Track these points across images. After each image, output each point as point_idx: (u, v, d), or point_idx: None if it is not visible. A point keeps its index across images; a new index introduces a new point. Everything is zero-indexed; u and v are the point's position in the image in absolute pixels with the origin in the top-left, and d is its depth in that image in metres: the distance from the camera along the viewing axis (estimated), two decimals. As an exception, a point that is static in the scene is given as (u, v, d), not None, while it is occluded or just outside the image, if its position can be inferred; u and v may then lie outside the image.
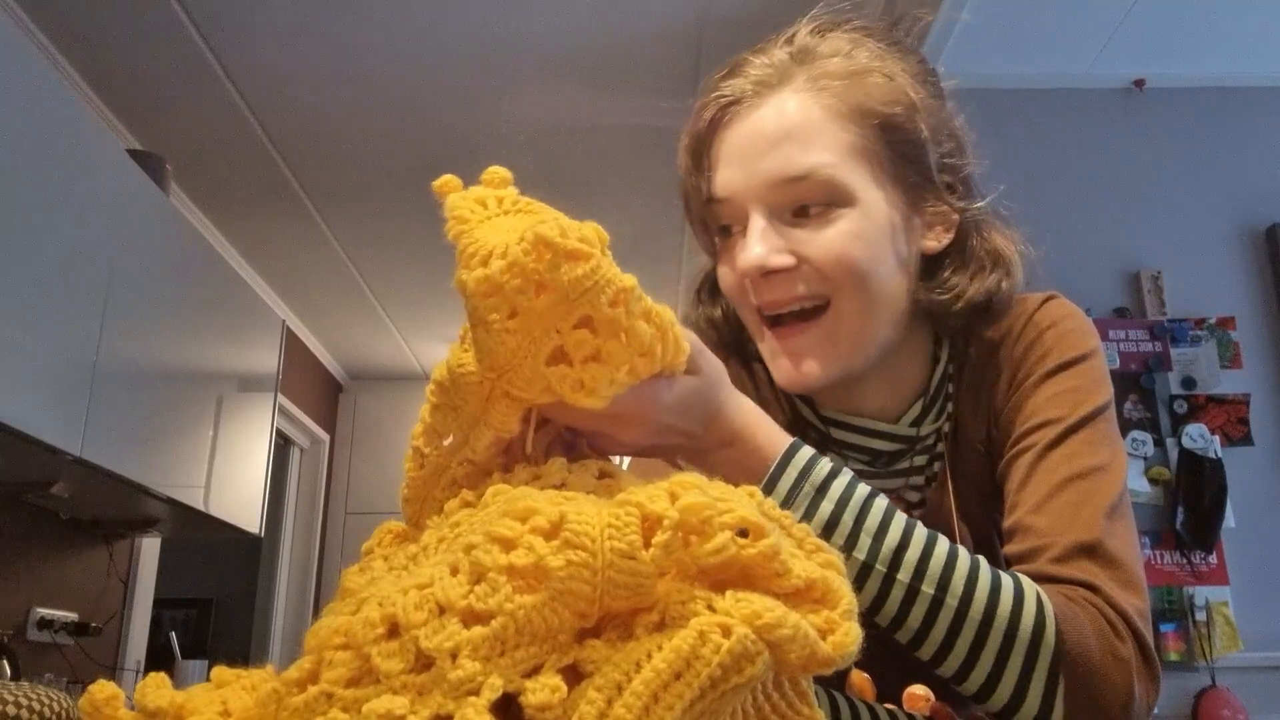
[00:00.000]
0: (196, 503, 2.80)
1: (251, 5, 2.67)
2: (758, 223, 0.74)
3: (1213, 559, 2.52)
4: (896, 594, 0.61)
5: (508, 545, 0.37)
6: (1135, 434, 2.60)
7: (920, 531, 0.63)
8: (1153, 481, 2.56)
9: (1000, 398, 0.79)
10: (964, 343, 0.83)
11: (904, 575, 0.61)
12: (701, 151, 0.80)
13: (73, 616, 2.83)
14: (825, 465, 0.63)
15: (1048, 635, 0.60)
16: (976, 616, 0.60)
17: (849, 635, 0.38)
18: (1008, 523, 0.72)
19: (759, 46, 0.80)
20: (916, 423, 0.83)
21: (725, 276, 0.79)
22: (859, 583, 0.61)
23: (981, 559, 0.63)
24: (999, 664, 0.60)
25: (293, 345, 4.78)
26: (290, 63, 2.92)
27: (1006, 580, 0.62)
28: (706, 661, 0.33)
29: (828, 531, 0.61)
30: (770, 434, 0.64)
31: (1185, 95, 2.91)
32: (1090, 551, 0.65)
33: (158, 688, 0.37)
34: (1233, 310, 2.73)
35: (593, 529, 0.36)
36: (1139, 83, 2.90)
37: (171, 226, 2.76)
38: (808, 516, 0.61)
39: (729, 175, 0.76)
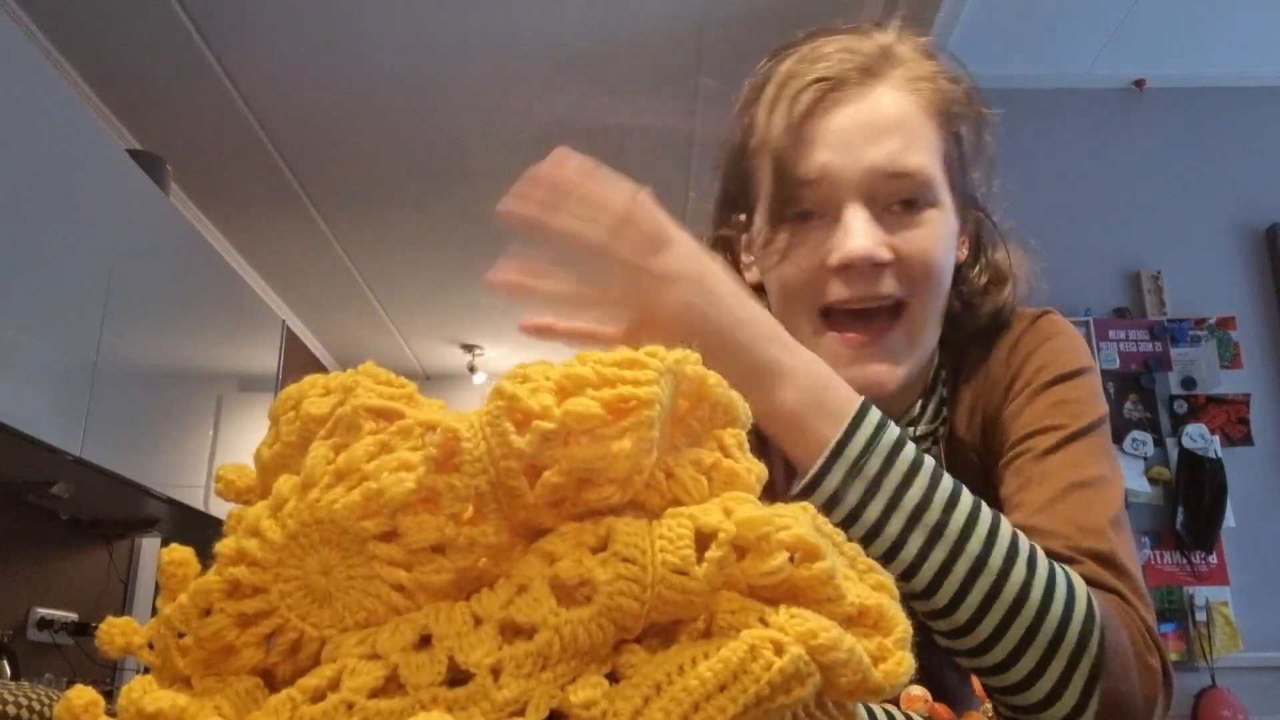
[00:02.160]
0: (196, 503, 2.80)
1: (252, 5, 2.67)
2: (860, 212, 0.72)
3: (1213, 559, 2.52)
4: (960, 570, 0.59)
5: (551, 557, 0.35)
6: (1135, 434, 2.60)
7: (988, 512, 0.62)
8: (1153, 481, 2.56)
9: (996, 404, 0.79)
10: (958, 346, 0.84)
11: (972, 548, 0.59)
12: (794, 130, 0.75)
13: (73, 616, 2.83)
14: (895, 429, 0.63)
15: (1094, 640, 0.59)
16: (1032, 610, 0.59)
17: (901, 664, 0.36)
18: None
19: (832, 33, 0.79)
20: (914, 422, 0.83)
21: (796, 262, 0.75)
22: (925, 551, 0.59)
23: (1040, 550, 0.62)
24: (1043, 661, 0.59)
25: (293, 345, 4.77)
26: (290, 63, 2.92)
27: (1060, 573, 0.61)
28: (755, 678, 0.32)
29: (900, 492, 0.60)
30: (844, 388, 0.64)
31: (1185, 95, 2.91)
32: (1104, 559, 0.65)
33: (153, 689, 0.35)
34: (1233, 310, 2.73)
35: (643, 541, 0.35)
36: (1139, 83, 2.90)
37: (171, 226, 2.77)
38: (881, 475, 0.60)
39: (829, 159, 0.73)
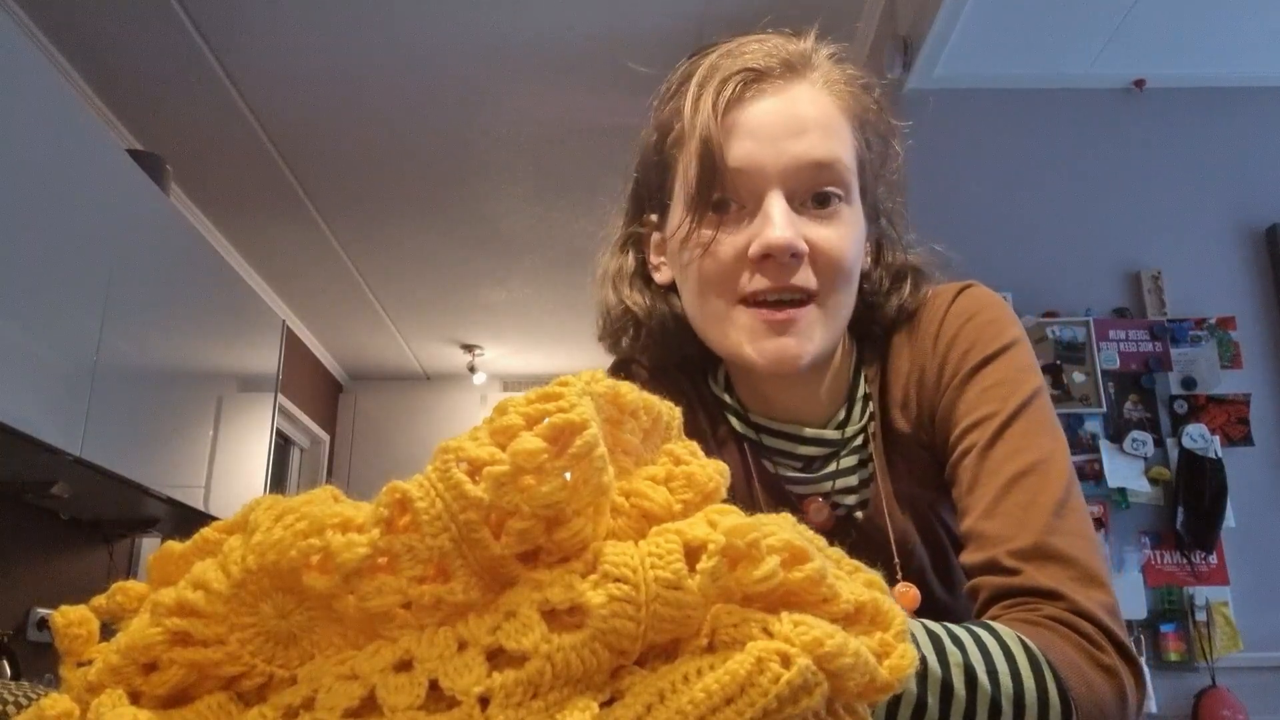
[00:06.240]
0: (196, 503, 2.80)
1: (252, 6, 2.67)
2: (781, 203, 0.73)
3: (1213, 559, 2.52)
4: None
5: (539, 584, 0.34)
6: (1135, 434, 2.59)
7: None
8: (1153, 481, 2.56)
9: (929, 396, 0.79)
10: (879, 341, 0.84)
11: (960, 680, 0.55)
12: (720, 117, 0.76)
13: (73, 616, 2.82)
14: None
15: (1064, 707, 0.57)
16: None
17: (905, 658, 0.35)
18: (961, 527, 0.72)
19: (762, 35, 0.81)
20: (841, 425, 0.84)
21: (716, 254, 0.75)
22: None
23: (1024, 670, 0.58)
24: None
25: (293, 345, 4.77)
26: (290, 63, 2.92)
27: (1029, 683, 0.57)
28: (763, 691, 0.32)
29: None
30: None
31: (1185, 95, 2.91)
32: (1047, 554, 0.65)
33: (121, 704, 0.34)
34: (1233, 310, 2.73)
35: (632, 559, 0.34)
36: (1139, 83, 2.90)
37: (171, 226, 2.76)
38: None
39: (752, 148, 0.74)
